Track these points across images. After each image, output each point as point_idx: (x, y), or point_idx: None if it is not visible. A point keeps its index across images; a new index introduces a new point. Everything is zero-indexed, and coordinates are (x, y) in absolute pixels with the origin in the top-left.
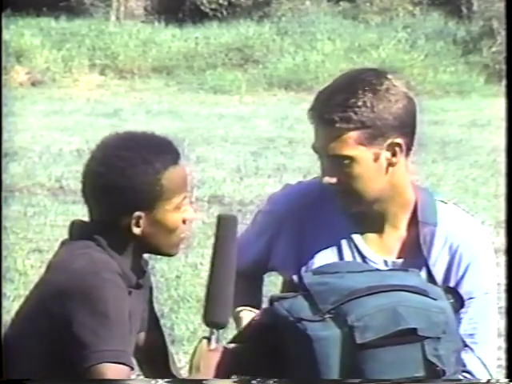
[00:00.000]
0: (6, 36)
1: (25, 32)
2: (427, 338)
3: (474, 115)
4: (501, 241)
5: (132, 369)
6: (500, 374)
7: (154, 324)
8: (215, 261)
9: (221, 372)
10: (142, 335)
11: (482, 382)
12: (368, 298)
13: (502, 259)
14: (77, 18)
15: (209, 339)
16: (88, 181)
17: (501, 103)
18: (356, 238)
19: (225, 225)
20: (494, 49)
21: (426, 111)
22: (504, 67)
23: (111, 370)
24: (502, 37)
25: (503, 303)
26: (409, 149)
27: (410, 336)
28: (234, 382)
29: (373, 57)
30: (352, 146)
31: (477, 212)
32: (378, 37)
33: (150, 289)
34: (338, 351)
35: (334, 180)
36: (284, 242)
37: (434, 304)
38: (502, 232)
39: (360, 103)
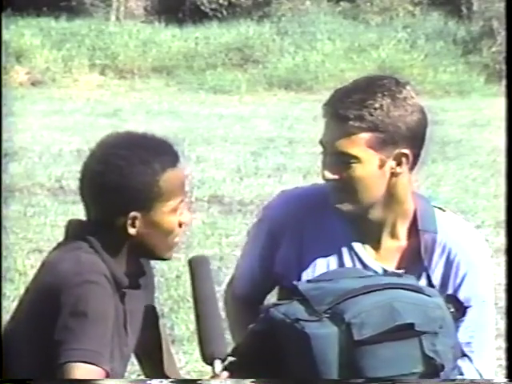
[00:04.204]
0: (5, 36)
1: (25, 32)
2: (424, 333)
3: (473, 115)
4: (501, 241)
5: (106, 371)
6: (500, 374)
7: (154, 323)
8: (198, 302)
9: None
10: (145, 332)
11: (481, 381)
12: (364, 296)
13: (502, 259)
14: (77, 18)
15: (212, 367)
16: (86, 179)
17: (501, 103)
18: (356, 246)
19: (197, 266)
20: (493, 49)
21: (426, 111)
22: (504, 67)
23: (80, 370)
24: (501, 37)
25: (503, 303)
26: (415, 162)
27: (407, 331)
28: (234, 382)
29: (373, 57)
30: (361, 146)
31: (477, 212)
32: (378, 37)
33: (153, 288)
34: (336, 348)
35: (335, 176)
36: (284, 250)
37: (430, 300)
38: (502, 232)
39: (377, 105)
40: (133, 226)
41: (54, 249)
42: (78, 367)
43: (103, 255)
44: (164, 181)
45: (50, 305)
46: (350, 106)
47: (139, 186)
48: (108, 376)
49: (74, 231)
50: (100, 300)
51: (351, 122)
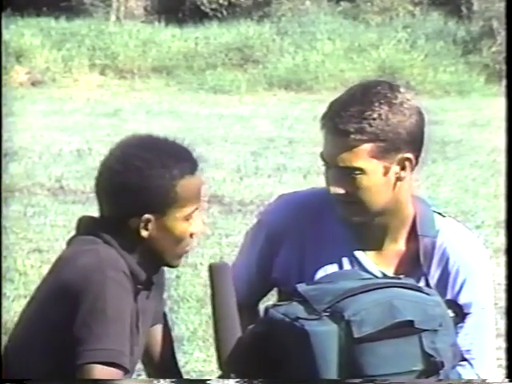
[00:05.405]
0: (6, 36)
1: (25, 32)
2: (424, 330)
3: (474, 115)
4: (501, 241)
5: (125, 369)
6: (500, 374)
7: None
8: (216, 309)
9: None
10: (153, 329)
11: (477, 382)
12: (363, 295)
13: (502, 259)
14: (77, 18)
15: None
16: (103, 177)
17: (501, 103)
18: (357, 251)
19: (218, 273)
20: (493, 49)
21: (426, 111)
22: (504, 67)
23: (100, 371)
24: (501, 37)
25: (503, 303)
26: (416, 163)
27: (407, 329)
28: (236, 381)
29: (373, 57)
30: (364, 158)
31: (477, 212)
32: (378, 37)
33: (163, 287)
34: (335, 346)
35: (342, 191)
36: (284, 255)
37: (429, 298)
38: (502, 232)
39: (375, 115)
40: (146, 228)
41: (68, 245)
42: (97, 368)
43: (119, 250)
44: (181, 187)
45: (68, 301)
46: (349, 119)
47: (156, 189)
48: (128, 373)
49: (87, 228)
50: (119, 297)
51: (352, 136)
